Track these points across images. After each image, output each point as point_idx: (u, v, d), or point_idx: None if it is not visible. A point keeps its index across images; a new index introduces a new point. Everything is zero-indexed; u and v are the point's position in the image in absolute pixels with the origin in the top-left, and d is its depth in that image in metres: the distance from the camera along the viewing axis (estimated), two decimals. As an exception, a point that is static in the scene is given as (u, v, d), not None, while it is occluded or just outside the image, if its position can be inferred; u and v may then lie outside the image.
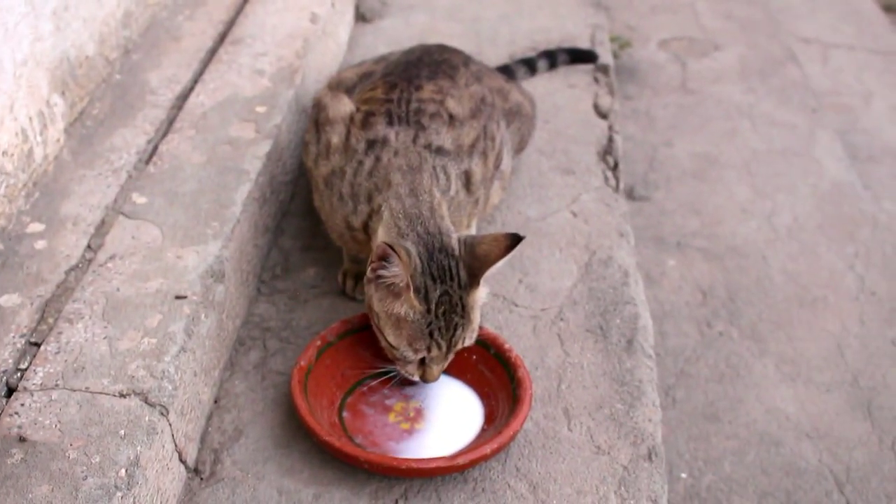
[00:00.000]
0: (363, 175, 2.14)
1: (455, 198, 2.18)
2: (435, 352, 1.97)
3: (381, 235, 2.04)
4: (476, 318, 2.01)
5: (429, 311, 1.93)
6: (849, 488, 2.48)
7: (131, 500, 1.63)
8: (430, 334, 1.94)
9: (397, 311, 1.94)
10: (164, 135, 2.51)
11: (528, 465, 1.95)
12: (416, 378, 2.02)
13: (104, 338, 1.88)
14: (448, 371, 2.06)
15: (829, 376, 2.80)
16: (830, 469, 2.52)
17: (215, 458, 1.95)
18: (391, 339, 1.97)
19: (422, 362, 2.00)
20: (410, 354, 1.97)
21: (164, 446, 1.77)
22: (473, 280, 1.96)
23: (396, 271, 1.89)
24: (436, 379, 2.02)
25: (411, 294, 1.91)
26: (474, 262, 1.97)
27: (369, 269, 1.96)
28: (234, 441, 1.98)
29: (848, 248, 3.29)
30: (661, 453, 2.00)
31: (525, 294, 2.39)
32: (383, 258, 1.90)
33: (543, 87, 3.25)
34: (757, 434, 2.62)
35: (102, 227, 2.19)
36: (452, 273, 1.96)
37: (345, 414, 2.04)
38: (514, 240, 1.95)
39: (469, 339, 2.01)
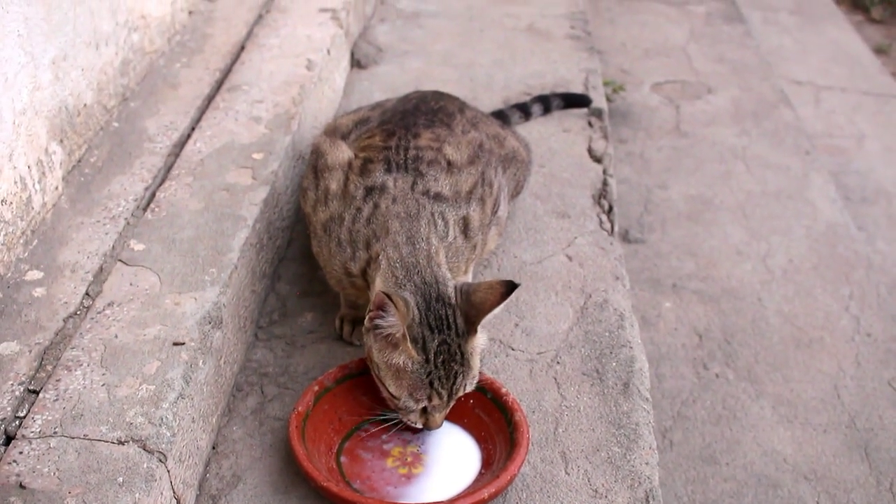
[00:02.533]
0: (361, 222, 2.16)
1: (453, 244, 2.19)
2: (436, 400, 1.97)
3: (379, 285, 2.05)
4: (476, 364, 2.01)
5: (427, 360, 1.94)
6: (847, 530, 2.48)
7: (129, 547, 1.63)
8: (431, 384, 1.95)
9: (396, 361, 1.94)
10: (162, 182, 2.53)
11: (526, 510, 1.95)
12: (420, 426, 2.03)
13: (102, 385, 1.89)
14: (446, 416, 2.06)
15: (826, 418, 2.80)
16: (829, 511, 2.53)
17: (213, 504, 1.95)
18: (392, 389, 1.98)
19: (424, 410, 2.00)
20: (412, 404, 1.97)
21: (162, 493, 1.77)
22: (471, 327, 1.97)
23: (393, 321, 1.90)
24: (439, 426, 2.03)
25: (408, 344, 1.92)
26: (471, 309, 1.98)
27: (367, 318, 1.97)
28: (232, 487, 1.98)
29: (843, 290, 3.30)
30: (659, 496, 2.00)
31: (521, 338, 2.40)
32: (381, 308, 1.91)
33: (538, 132, 3.28)
34: (754, 476, 2.62)
35: (101, 275, 2.20)
36: (450, 322, 1.97)
37: (343, 459, 2.04)
38: (510, 287, 1.97)
39: (470, 386, 2.02)
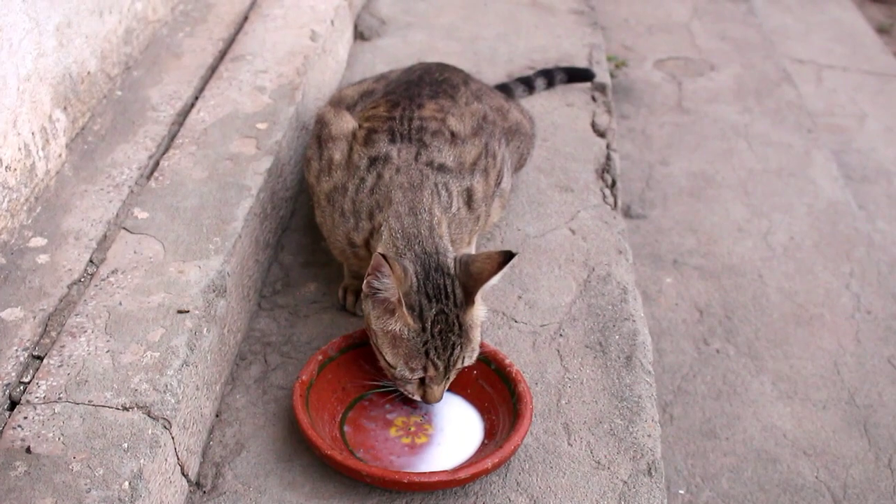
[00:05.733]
0: (365, 192, 2.16)
1: (457, 215, 2.19)
2: (432, 371, 1.97)
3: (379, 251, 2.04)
4: (475, 337, 2.01)
5: (424, 329, 1.94)
6: (846, 505, 2.49)
7: (135, 512, 1.64)
8: (427, 353, 1.95)
9: (393, 328, 1.94)
10: (166, 150, 2.52)
11: (529, 480, 1.96)
12: (418, 398, 2.03)
13: (107, 351, 1.89)
14: (449, 386, 2.06)
15: (825, 394, 2.81)
16: (827, 486, 2.53)
17: (217, 471, 1.95)
18: (388, 357, 1.97)
19: (422, 382, 2.00)
20: (407, 374, 1.97)
21: (166, 459, 1.77)
22: (469, 298, 1.97)
23: (388, 283, 1.91)
24: (437, 400, 2.02)
25: (404, 310, 1.91)
26: (469, 279, 1.98)
27: (365, 283, 1.97)
28: (235, 455, 1.99)
29: (843, 267, 3.31)
30: (661, 468, 2.01)
31: (525, 310, 2.40)
32: (377, 269, 1.91)
33: (542, 106, 3.27)
34: (754, 451, 2.63)
35: (104, 242, 2.19)
36: (448, 292, 1.97)
37: (346, 428, 2.04)
38: (507, 256, 1.96)
39: (469, 359, 2.01)
